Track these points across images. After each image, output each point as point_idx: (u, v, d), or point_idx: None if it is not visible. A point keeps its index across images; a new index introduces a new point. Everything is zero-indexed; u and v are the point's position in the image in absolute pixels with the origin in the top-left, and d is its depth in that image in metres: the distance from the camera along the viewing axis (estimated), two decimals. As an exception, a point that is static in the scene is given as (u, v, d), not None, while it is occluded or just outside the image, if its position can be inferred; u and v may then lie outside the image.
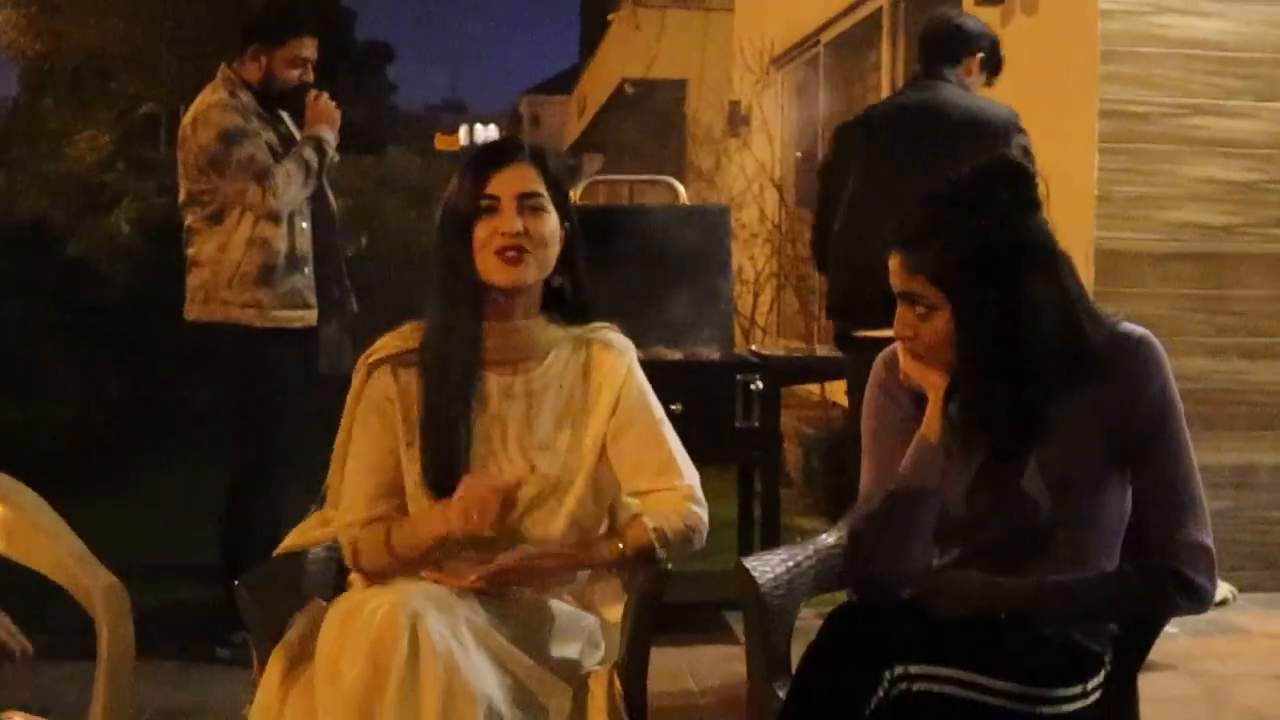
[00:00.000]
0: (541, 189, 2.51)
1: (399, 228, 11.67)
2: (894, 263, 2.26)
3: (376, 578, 2.47)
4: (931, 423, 2.27)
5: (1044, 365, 2.19)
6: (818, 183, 4.73)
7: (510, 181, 2.48)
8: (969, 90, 4.53)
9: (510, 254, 2.45)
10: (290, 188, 4.56)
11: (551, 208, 2.52)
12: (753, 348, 7.16)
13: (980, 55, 4.60)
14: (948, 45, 4.58)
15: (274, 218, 4.56)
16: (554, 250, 2.53)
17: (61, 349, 8.00)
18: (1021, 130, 4.32)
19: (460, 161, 2.63)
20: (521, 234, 2.45)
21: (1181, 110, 5.15)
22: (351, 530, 2.50)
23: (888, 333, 2.35)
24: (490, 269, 2.47)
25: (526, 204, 2.48)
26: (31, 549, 2.40)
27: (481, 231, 2.46)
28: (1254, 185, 5.20)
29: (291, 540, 2.68)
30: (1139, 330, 2.28)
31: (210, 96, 4.66)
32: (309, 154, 4.64)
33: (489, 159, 2.52)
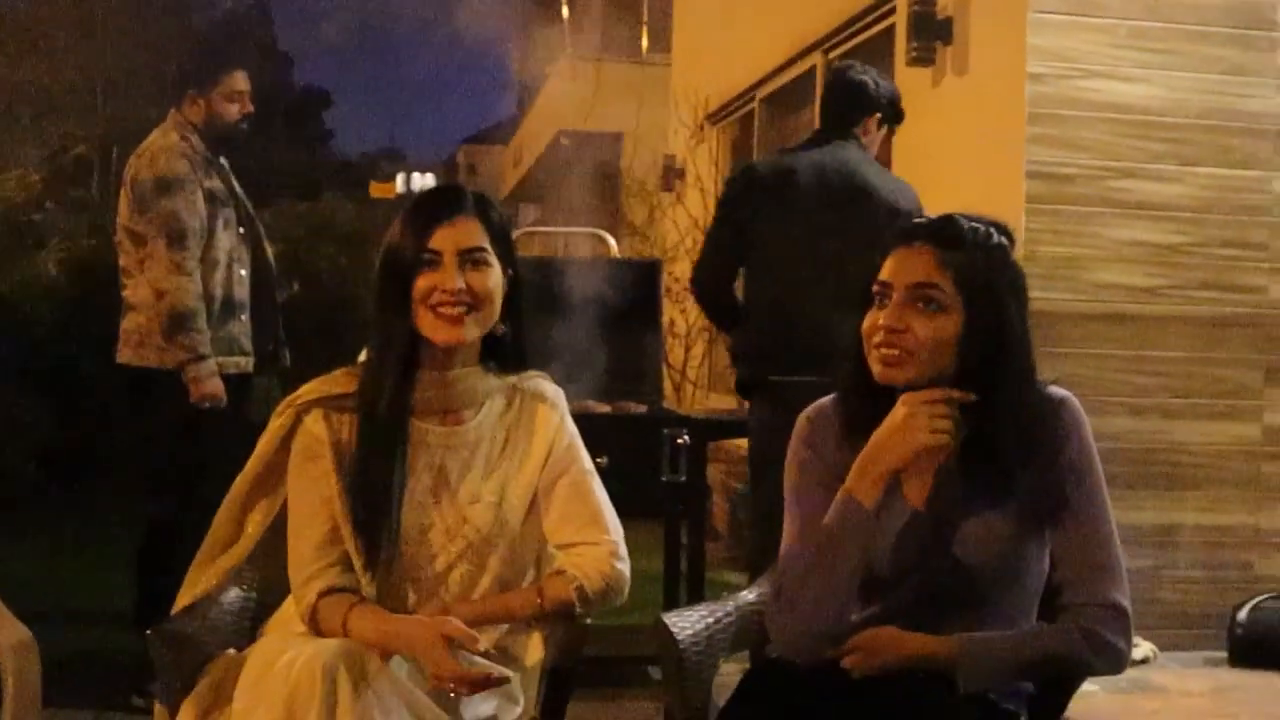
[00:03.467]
0: (485, 243, 2.47)
1: (332, 274, 11.63)
2: (920, 254, 2.25)
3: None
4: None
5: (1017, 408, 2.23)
6: (713, 226, 4.76)
7: (453, 236, 2.44)
8: (866, 150, 4.65)
9: (450, 312, 2.41)
10: (184, 274, 4.52)
11: (495, 260, 2.48)
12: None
13: (878, 116, 4.71)
14: (849, 106, 4.67)
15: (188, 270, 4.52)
16: (496, 305, 2.49)
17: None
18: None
19: (398, 210, 2.60)
20: (463, 290, 2.41)
21: (1107, 173, 5.22)
22: (309, 594, 2.40)
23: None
24: (429, 326, 2.43)
25: (469, 259, 2.44)
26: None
27: (422, 284, 2.42)
28: (1177, 248, 5.28)
29: (190, 580, 2.60)
30: (1061, 392, 2.32)
31: (161, 139, 4.68)
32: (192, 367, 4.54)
33: (432, 211, 2.47)
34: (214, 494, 4.51)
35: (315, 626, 2.40)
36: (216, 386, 4.52)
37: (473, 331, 2.46)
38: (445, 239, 2.43)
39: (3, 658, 2.19)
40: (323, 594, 2.39)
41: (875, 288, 2.28)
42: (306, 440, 2.49)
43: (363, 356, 2.64)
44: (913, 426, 2.20)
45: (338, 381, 2.54)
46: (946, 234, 2.27)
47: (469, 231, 2.46)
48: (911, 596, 2.29)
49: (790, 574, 2.31)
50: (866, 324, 2.28)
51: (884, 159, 6.44)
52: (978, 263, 2.24)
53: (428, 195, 2.59)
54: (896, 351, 2.23)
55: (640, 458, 4.61)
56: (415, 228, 2.45)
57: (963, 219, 2.30)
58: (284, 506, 2.55)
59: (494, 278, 2.47)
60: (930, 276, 2.23)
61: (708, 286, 4.69)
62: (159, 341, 4.53)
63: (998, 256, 2.27)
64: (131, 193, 4.63)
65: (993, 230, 2.29)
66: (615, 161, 15.38)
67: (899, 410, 2.23)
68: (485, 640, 2.36)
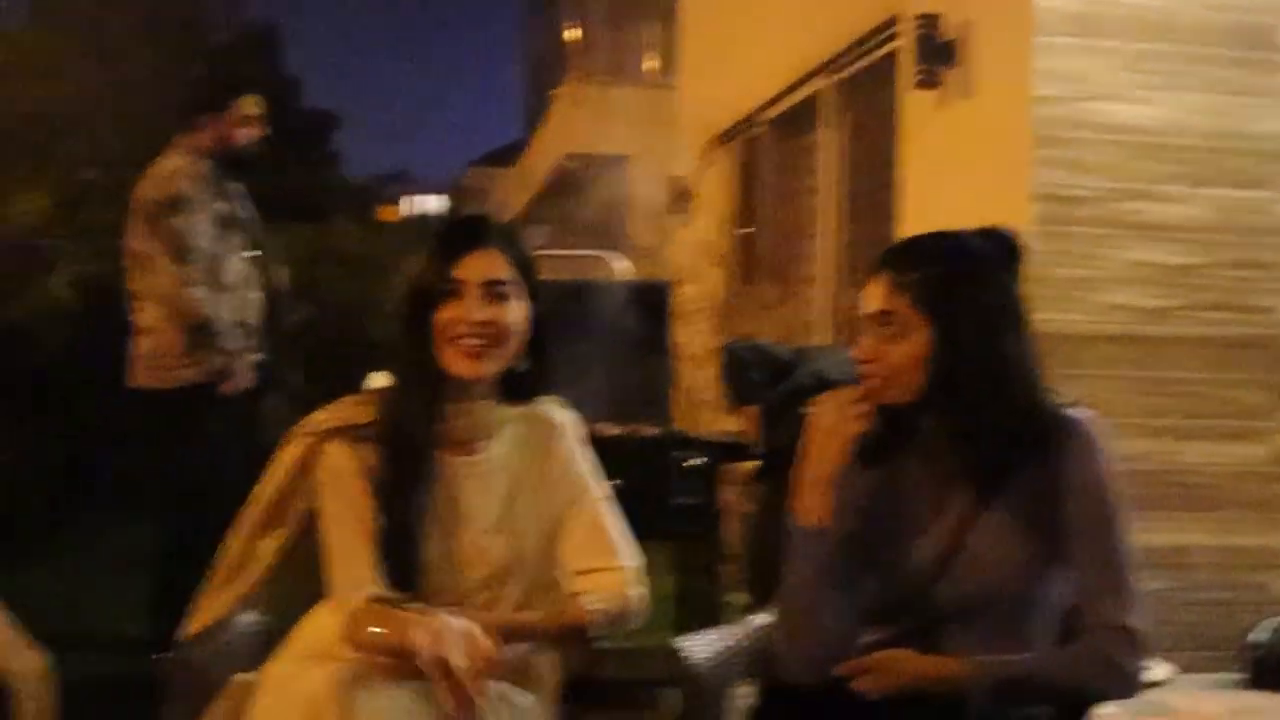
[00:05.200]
0: (508, 275, 2.47)
1: (339, 297, 11.65)
2: (873, 283, 2.30)
3: (366, 651, 2.35)
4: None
5: (1004, 423, 2.22)
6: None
7: (477, 267, 2.43)
8: None
9: (471, 345, 2.41)
10: (192, 286, 4.54)
11: (518, 294, 2.48)
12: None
13: None
14: None
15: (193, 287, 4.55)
16: (518, 338, 2.49)
17: (-5, 413, 7.92)
18: None
19: (406, 233, 2.60)
20: (485, 324, 2.41)
21: (1115, 195, 5.21)
22: (358, 598, 2.36)
23: None
24: (450, 359, 2.43)
25: (492, 291, 2.44)
26: (-46, 623, 2.36)
27: (444, 315, 2.42)
28: (1187, 269, 5.26)
29: (202, 606, 2.60)
30: (1084, 413, 2.32)
31: (169, 162, 4.71)
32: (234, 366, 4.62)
33: (456, 241, 2.47)
34: (226, 516, 4.57)
35: (356, 629, 2.34)
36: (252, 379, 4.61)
37: (493, 366, 2.46)
38: (469, 269, 2.43)
39: (20, 683, 2.19)
40: (371, 599, 2.37)
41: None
42: (337, 465, 2.47)
43: (369, 383, 2.64)
44: (838, 423, 2.26)
45: (354, 410, 2.53)
46: (901, 257, 2.32)
47: (493, 263, 2.46)
48: (925, 618, 2.28)
49: (783, 601, 2.33)
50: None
51: (889, 184, 6.45)
52: (934, 280, 2.26)
53: (453, 224, 2.61)
54: (874, 380, 2.27)
55: (652, 480, 4.61)
56: (439, 257, 2.45)
57: (932, 236, 2.37)
58: (299, 534, 2.55)
59: (516, 312, 2.47)
60: (886, 303, 2.27)
61: None
62: (173, 361, 4.54)
63: (963, 269, 2.29)
64: (139, 213, 4.65)
65: (968, 243, 2.32)
66: (623, 184, 15.43)
67: (818, 418, 2.28)
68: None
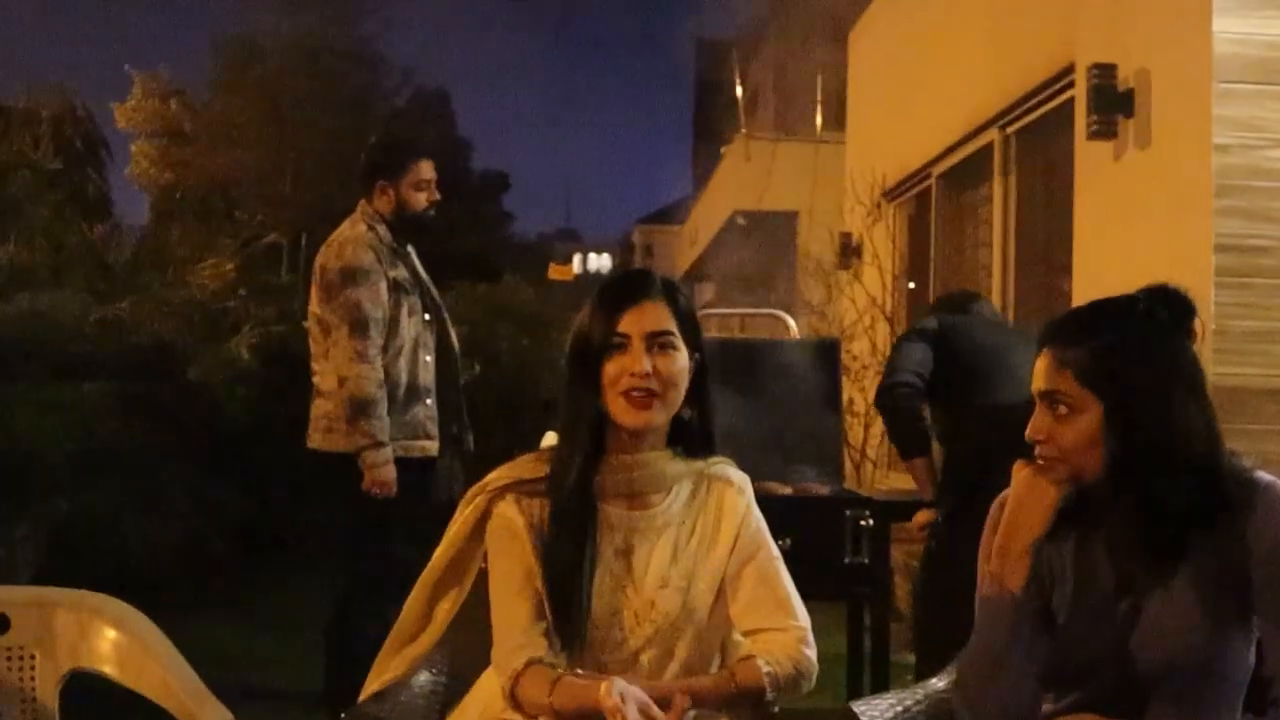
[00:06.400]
0: (672, 326, 2.49)
1: (512, 356, 11.83)
2: (1041, 361, 2.24)
3: (530, 711, 2.40)
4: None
5: (1184, 493, 2.16)
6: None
7: (641, 319, 2.47)
8: None
9: (638, 396, 2.44)
10: (366, 362, 4.62)
11: (681, 345, 2.50)
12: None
13: None
14: None
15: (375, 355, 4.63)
16: (682, 388, 2.50)
17: (177, 470, 8.15)
18: None
19: (576, 291, 2.64)
20: (650, 375, 2.43)
21: (1299, 245, 5.07)
22: (515, 661, 2.40)
23: None
24: (618, 410, 2.45)
25: (656, 342, 2.46)
26: (142, 675, 2.43)
27: (611, 369, 2.45)
28: (1375, 321, 5.09)
29: (378, 667, 2.64)
30: (1268, 477, 2.23)
31: (349, 230, 4.81)
32: (369, 453, 4.63)
33: (621, 294, 2.50)
34: (398, 575, 4.63)
35: (516, 696, 2.39)
36: (389, 474, 4.60)
37: (659, 415, 2.47)
38: (633, 322, 2.46)
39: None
40: (530, 663, 2.39)
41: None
42: (503, 523, 2.51)
43: (546, 440, 2.66)
44: (1038, 493, 2.20)
45: (527, 466, 2.56)
46: (1063, 332, 2.26)
47: (656, 315, 2.48)
48: (1108, 685, 2.23)
49: (967, 666, 2.29)
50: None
51: (1066, 235, 6.35)
52: (1098, 356, 2.19)
53: (616, 279, 2.62)
54: (1046, 459, 2.23)
55: (823, 539, 4.56)
56: (604, 311, 2.48)
57: (1093, 307, 2.30)
58: (472, 592, 2.58)
59: (680, 361, 2.48)
60: (1052, 382, 2.22)
61: None
62: (344, 427, 4.62)
63: (1128, 340, 2.21)
64: (320, 282, 4.76)
65: (1132, 310, 2.24)
66: (791, 240, 15.43)
67: (1017, 485, 2.23)
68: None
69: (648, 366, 2.43)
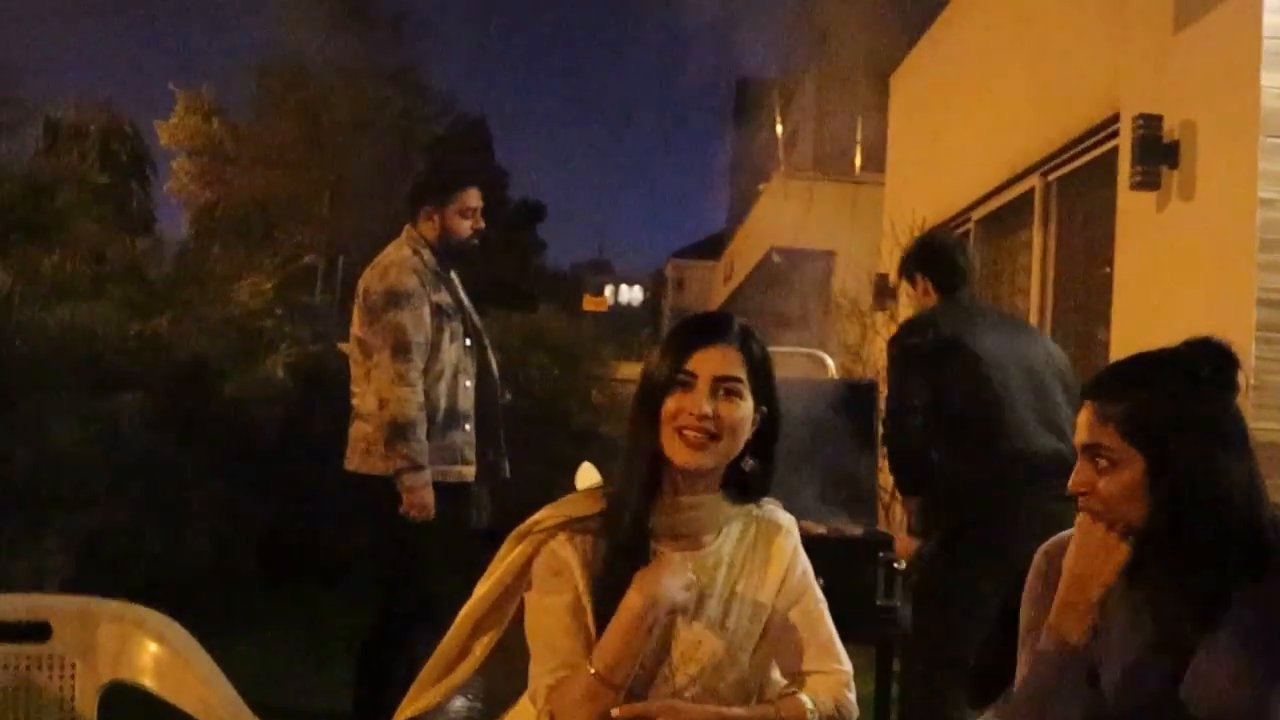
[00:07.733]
0: (742, 374, 2.47)
1: (544, 385, 11.82)
2: (1083, 414, 2.26)
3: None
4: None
5: (1227, 548, 2.16)
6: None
7: (711, 361, 2.45)
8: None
9: (694, 436, 2.43)
10: (407, 385, 4.64)
11: (748, 394, 2.48)
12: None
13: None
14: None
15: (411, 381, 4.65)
16: (741, 438, 2.48)
17: (211, 487, 8.17)
18: None
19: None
20: (709, 417, 2.42)
21: (1343, 302, 5.05)
22: (553, 679, 2.39)
23: None
24: (673, 447, 2.44)
25: (722, 386, 2.45)
26: (182, 689, 2.45)
27: (671, 404, 2.44)
28: None
29: (413, 695, 2.62)
30: None
31: (395, 253, 4.85)
32: (407, 475, 4.65)
33: (695, 334, 2.50)
34: (436, 597, 4.63)
35: (552, 702, 2.38)
36: (427, 498, 4.61)
37: (711, 460, 2.46)
38: (702, 363, 2.46)
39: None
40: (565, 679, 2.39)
41: None
42: (552, 560, 2.49)
43: (581, 473, 2.66)
44: (1106, 545, 2.20)
45: (577, 504, 2.55)
46: (1104, 386, 2.27)
47: (728, 359, 2.47)
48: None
49: (1013, 715, 2.28)
50: None
51: (1105, 284, 6.34)
52: (1140, 410, 2.20)
53: (695, 317, 2.62)
54: (1090, 510, 2.24)
55: (855, 580, 4.56)
56: (675, 348, 2.48)
57: (1136, 360, 2.30)
58: (511, 626, 2.57)
59: (744, 410, 2.47)
60: (1094, 436, 2.24)
61: None
62: (382, 450, 4.64)
63: (1171, 395, 2.22)
64: (363, 304, 4.80)
65: (1175, 364, 2.25)
66: (827, 279, 15.42)
67: (1085, 540, 2.23)
68: None
69: (709, 409, 2.42)
